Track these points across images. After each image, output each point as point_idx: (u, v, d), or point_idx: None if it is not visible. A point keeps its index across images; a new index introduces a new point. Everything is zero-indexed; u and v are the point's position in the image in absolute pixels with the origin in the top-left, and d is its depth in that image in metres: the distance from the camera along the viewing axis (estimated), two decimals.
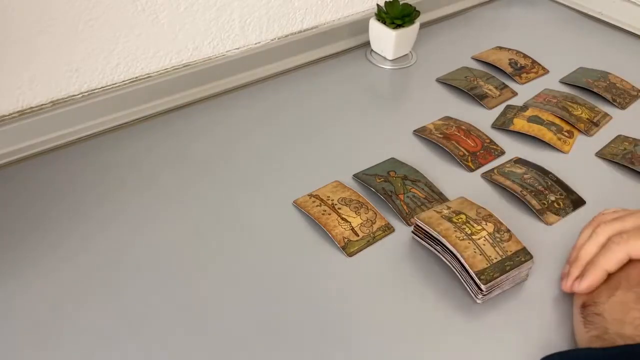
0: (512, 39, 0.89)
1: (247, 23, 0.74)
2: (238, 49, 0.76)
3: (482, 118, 0.72)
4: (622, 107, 0.76)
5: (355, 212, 0.58)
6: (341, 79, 0.80)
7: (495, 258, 0.50)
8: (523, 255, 0.51)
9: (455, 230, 0.52)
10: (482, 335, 0.49)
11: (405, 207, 0.59)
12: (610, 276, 0.48)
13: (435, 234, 0.52)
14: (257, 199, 0.60)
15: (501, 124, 0.71)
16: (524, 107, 0.73)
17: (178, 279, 0.52)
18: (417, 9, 0.80)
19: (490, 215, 0.54)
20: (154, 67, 0.70)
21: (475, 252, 0.50)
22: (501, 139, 0.69)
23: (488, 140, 0.69)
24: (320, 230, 0.56)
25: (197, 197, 0.60)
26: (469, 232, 0.52)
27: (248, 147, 0.67)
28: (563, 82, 0.80)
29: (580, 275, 0.49)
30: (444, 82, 0.79)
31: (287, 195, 0.60)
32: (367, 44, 0.85)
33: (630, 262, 0.48)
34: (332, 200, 0.59)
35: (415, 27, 0.81)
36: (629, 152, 0.67)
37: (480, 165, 0.65)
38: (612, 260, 0.48)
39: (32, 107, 0.63)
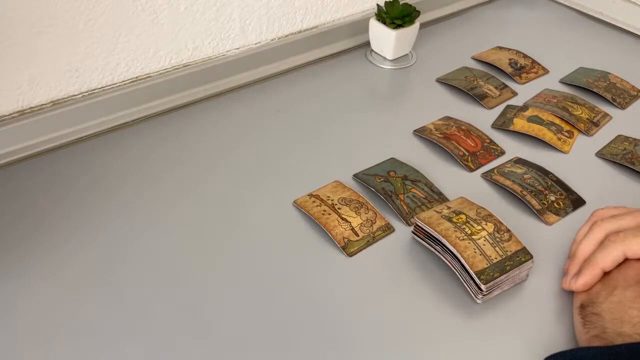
0: (512, 39, 0.89)
1: (247, 23, 0.74)
2: (238, 49, 0.76)
3: (482, 118, 0.72)
4: (622, 107, 0.76)
5: (355, 212, 0.58)
6: (341, 79, 0.80)
7: (495, 258, 0.50)
8: (523, 255, 0.51)
9: (455, 230, 0.52)
10: (482, 335, 0.49)
11: (405, 207, 0.59)
12: (607, 276, 0.48)
13: (435, 234, 0.52)
14: (257, 199, 0.60)
15: (501, 124, 0.71)
16: (524, 107, 0.73)
17: (178, 279, 0.52)
18: (417, 9, 0.80)
19: (490, 215, 0.54)
20: (154, 67, 0.70)
21: (475, 252, 0.50)
22: (501, 139, 0.69)
23: (488, 140, 0.69)
24: (320, 230, 0.56)
25: (197, 197, 0.60)
26: (469, 232, 0.52)
27: (248, 147, 0.67)
28: (563, 82, 0.80)
29: (577, 273, 0.49)
30: (444, 82, 0.79)
31: (287, 195, 0.60)
32: (367, 44, 0.85)
33: (627, 261, 0.48)
34: (332, 200, 0.59)
35: (415, 27, 0.81)
36: (629, 152, 0.67)
37: (480, 165, 0.65)
38: (607, 258, 0.48)
39: (32, 107, 0.63)
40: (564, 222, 0.59)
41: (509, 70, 0.82)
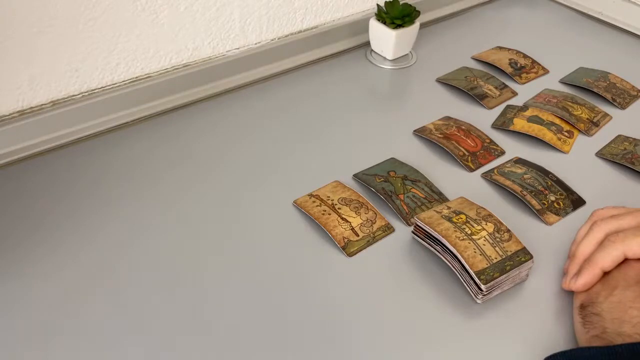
0: (512, 39, 0.89)
1: (247, 23, 0.74)
2: (238, 49, 0.76)
3: (482, 118, 0.72)
4: (622, 107, 0.76)
5: (355, 212, 0.58)
6: (341, 79, 0.80)
7: (495, 258, 0.50)
8: (523, 255, 0.51)
9: (455, 230, 0.52)
10: (482, 335, 0.49)
11: (405, 207, 0.59)
12: (607, 276, 0.48)
13: (435, 234, 0.52)
14: (257, 199, 0.60)
15: (501, 124, 0.71)
16: (524, 107, 0.73)
17: (178, 279, 0.52)
18: (417, 9, 0.80)
19: (490, 215, 0.54)
20: (154, 67, 0.70)
21: (475, 252, 0.50)
22: (501, 139, 0.69)
23: (488, 140, 0.69)
24: (320, 230, 0.56)
25: (197, 197, 0.60)
26: (469, 232, 0.52)
27: (248, 147, 0.67)
28: (563, 82, 0.80)
29: (577, 273, 0.49)
30: (444, 82, 0.79)
31: (287, 195, 0.60)
32: (367, 44, 0.85)
33: (627, 261, 0.48)
34: (332, 200, 0.59)
35: (415, 27, 0.81)
36: (629, 152, 0.67)
37: (480, 165, 0.65)
38: (607, 258, 0.48)
39: (32, 107, 0.63)
40: (564, 222, 0.59)
41: (509, 70, 0.82)
